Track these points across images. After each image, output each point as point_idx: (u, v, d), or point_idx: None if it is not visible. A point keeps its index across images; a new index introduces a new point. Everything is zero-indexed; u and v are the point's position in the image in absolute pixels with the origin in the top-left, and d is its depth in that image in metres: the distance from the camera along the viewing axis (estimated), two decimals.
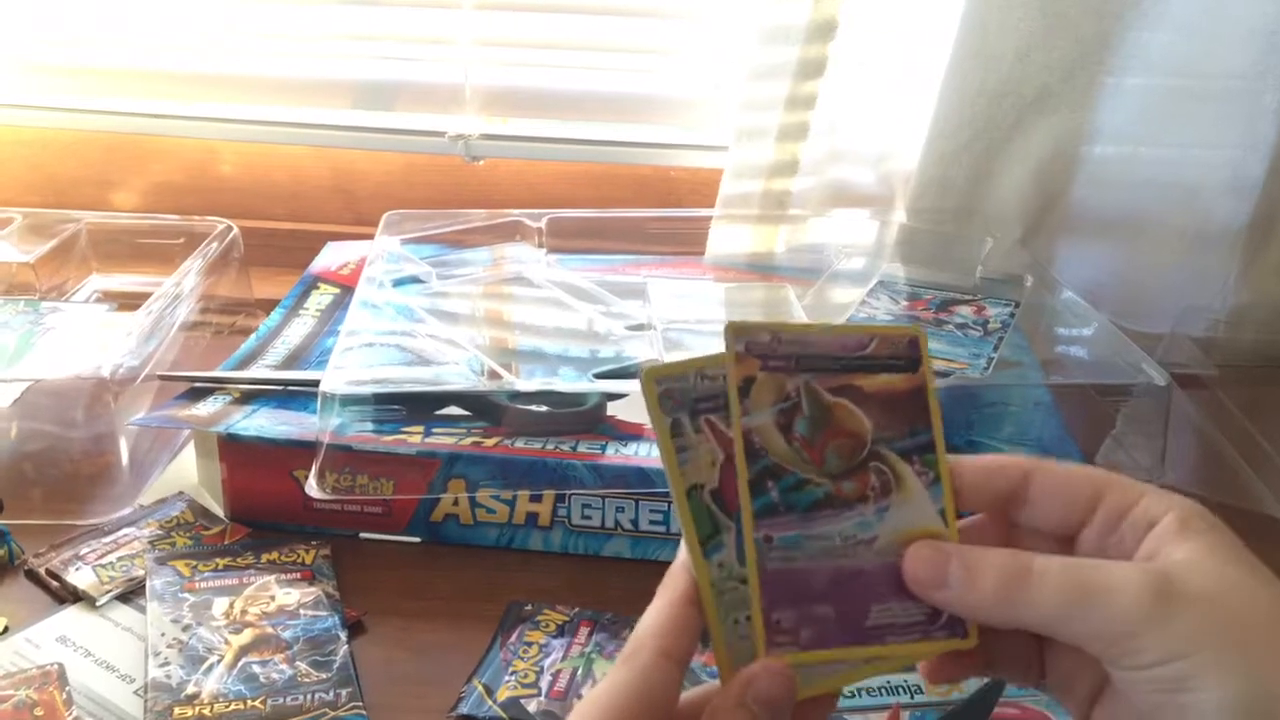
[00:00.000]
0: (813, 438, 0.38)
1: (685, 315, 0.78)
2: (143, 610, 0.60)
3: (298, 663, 0.56)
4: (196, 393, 0.72)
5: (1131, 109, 0.83)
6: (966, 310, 0.77)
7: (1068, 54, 0.81)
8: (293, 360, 0.77)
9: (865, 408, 0.39)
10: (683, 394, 0.36)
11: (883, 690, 0.55)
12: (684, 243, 0.89)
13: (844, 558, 0.37)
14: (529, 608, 0.62)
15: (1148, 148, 0.86)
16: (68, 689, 0.54)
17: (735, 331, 0.37)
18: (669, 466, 0.35)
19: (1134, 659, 0.32)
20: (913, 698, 0.55)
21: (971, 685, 0.56)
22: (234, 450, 0.67)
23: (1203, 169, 0.85)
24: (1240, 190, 0.84)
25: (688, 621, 0.35)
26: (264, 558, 0.64)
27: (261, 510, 0.68)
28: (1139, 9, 0.79)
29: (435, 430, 0.67)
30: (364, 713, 0.54)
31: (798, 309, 0.79)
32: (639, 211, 0.92)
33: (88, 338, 0.80)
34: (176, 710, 0.53)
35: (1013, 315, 0.77)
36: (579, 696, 0.55)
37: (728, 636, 0.35)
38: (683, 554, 0.36)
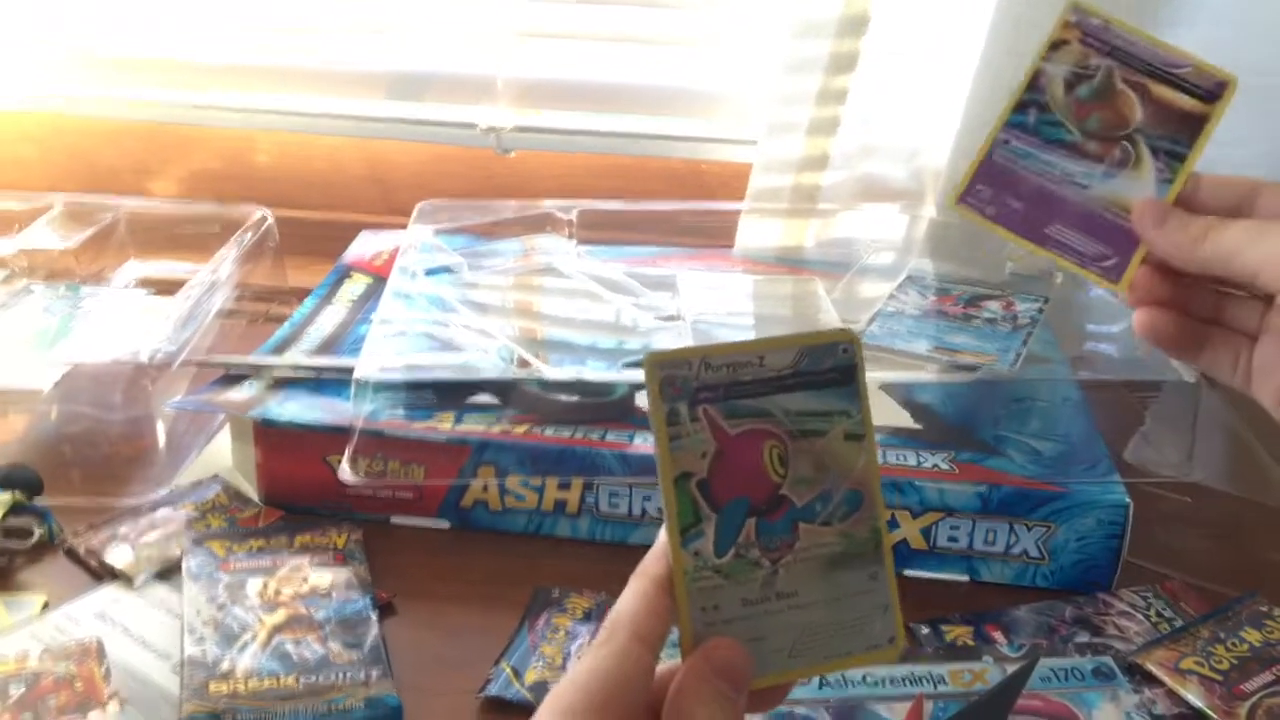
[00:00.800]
0: (1087, 102, 0.49)
1: (715, 308, 0.78)
2: (179, 589, 0.62)
3: (330, 642, 0.57)
4: (232, 378, 0.73)
5: None
6: (995, 305, 0.77)
7: None
8: (326, 348, 0.78)
9: (1146, 105, 0.49)
10: (684, 382, 0.36)
11: (907, 681, 0.56)
12: (713, 236, 0.90)
13: (1055, 184, 0.49)
14: (556, 593, 0.63)
15: None
16: (106, 663, 0.56)
17: (1074, 5, 0.50)
18: (661, 453, 0.36)
19: None
20: (936, 688, 0.55)
21: (994, 677, 0.56)
22: (268, 435, 0.69)
23: (1234, 167, 0.84)
24: None
25: (661, 607, 0.36)
26: (297, 540, 0.65)
27: (295, 494, 0.69)
28: (1172, 4, 0.79)
29: (466, 417, 0.68)
30: (394, 692, 0.55)
31: (826, 303, 0.79)
32: (669, 204, 0.92)
33: (126, 323, 0.81)
34: (212, 686, 0.54)
35: (1041, 311, 0.77)
36: None
37: (695, 623, 0.36)
38: (661, 540, 0.37)
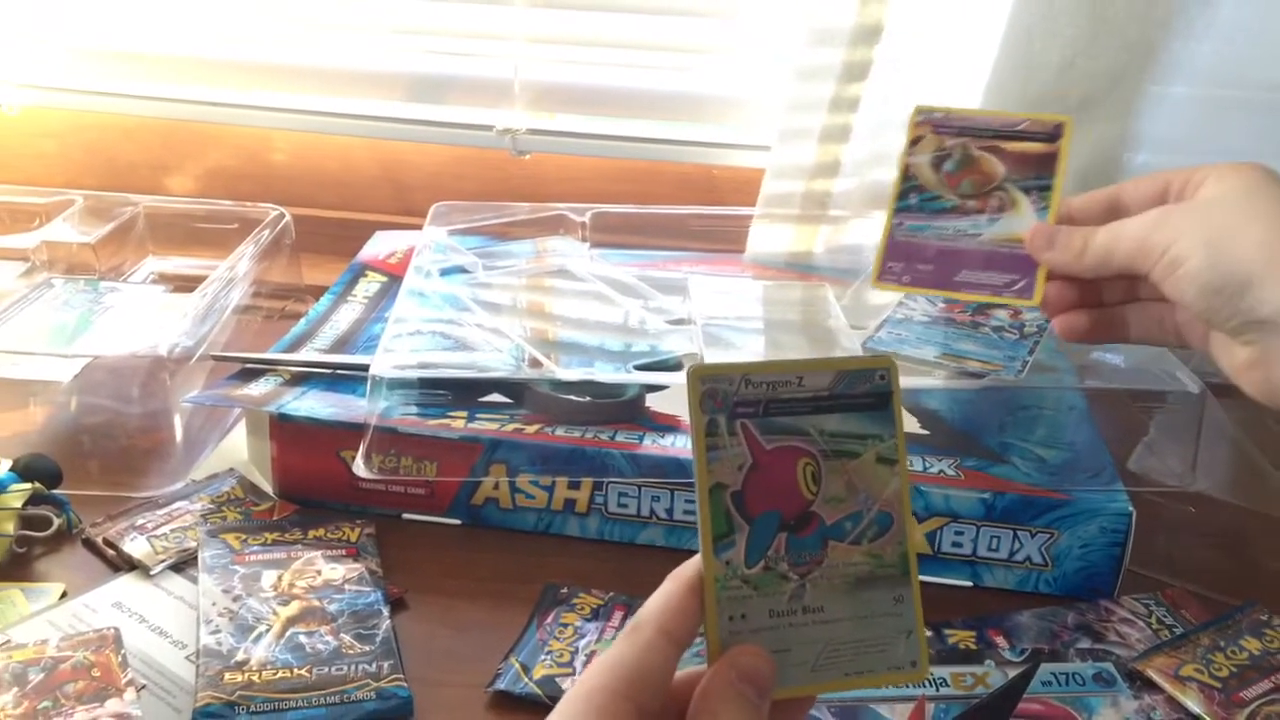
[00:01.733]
0: (955, 173, 0.59)
1: (725, 312, 0.79)
2: (194, 580, 0.63)
3: (342, 635, 0.58)
4: (248, 374, 0.75)
5: (1174, 118, 0.84)
6: (1003, 314, 0.78)
7: (1112, 62, 0.82)
8: (340, 345, 0.79)
9: (1004, 159, 0.59)
10: (724, 396, 0.37)
11: (909, 683, 0.57)
12: (724, 240, 0.91)
13: (951, 241, 0.58)
14: (565, 591, 0.64)
15: (1190, 158, 0.85)
16: (123, 652, 0.57)
17: (917, 109, 0.61)
18: (698, 463, 0.37)
19: (1148, 258, 0.51)
20: (938, 690, 0.56)
21: (996, 680, 0.57)
22: (284, 430, 0.70)
23: None
24: None
25: (690, 608, 0.37)
26: (310, 534, 0.66)
27: (309, 488, 0.70)
28: (1186, 18, 0.80)
29: (478, 416, 0.69)
30: (405, 684, 0.56)
31: (836, 308, 0.80)
32: (681, 208, 0.93)
33: (144, 318, 0.82)
34: (227, 675, 0.55)
35: (1049, 320, 0.77)
36: None
37: (722, 630, 0.37)
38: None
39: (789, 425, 0.38)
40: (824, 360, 0.39)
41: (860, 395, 0.38)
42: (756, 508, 0.37)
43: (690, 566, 0.38)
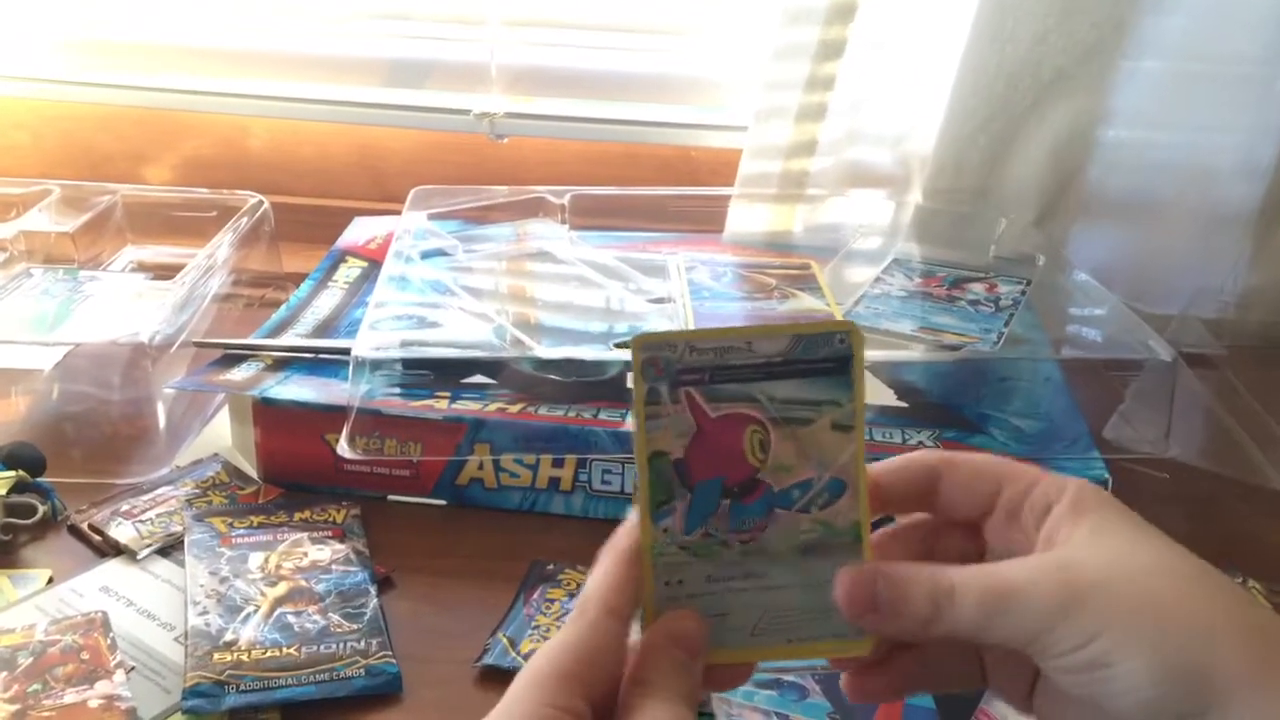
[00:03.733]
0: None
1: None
2: (181, 564, 0.63)
3: (330, 614, 0.59)
4: (230, 360, 0.75)
5: (1146, 93, 0.85)
6: (979, 287, 0.79)
7: (1084, 38, 0.82)
8: (322, 330, 0.80)
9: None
10: (667, 364, 0.37)
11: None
12: (703, 221, 0.91)
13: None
14: (551, 567, 0.64)
15: (1161, 131, 0.87)
16: (112, 635, 0.57)
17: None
18: (637, 431, 0.37)
19: (1055, 649, 0.34)
20: None
21: None
22: (268, 414, 0.70)
23: (1215, 153, 0.86)
24: (1252, 174, 0.86)
25: (629, 580, 0.37)
26: (296, 516, 0.67)
27: (294, 472, 0.71)
28: None
29: (461, 397, 0.69)
30: (394, 661, 0.56)
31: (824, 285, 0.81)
32: (660, 190, 0.93)
33: (124, 306, 0.82)
34: (216, 656, 0.55)
35: (1024, 293, 0.78)
36: None
37: (658, 596, 0.37)
38: (632, 516, 0.37)
39: (737, 392, 0.37)
40: (780, 326, 0.38)
41: (818, 360, 0.37)
42: (699, 475, 0.37)
43: (624, 537, 0.37)
